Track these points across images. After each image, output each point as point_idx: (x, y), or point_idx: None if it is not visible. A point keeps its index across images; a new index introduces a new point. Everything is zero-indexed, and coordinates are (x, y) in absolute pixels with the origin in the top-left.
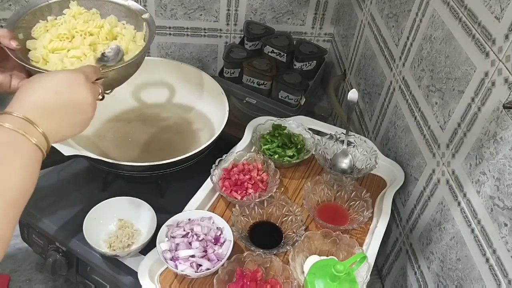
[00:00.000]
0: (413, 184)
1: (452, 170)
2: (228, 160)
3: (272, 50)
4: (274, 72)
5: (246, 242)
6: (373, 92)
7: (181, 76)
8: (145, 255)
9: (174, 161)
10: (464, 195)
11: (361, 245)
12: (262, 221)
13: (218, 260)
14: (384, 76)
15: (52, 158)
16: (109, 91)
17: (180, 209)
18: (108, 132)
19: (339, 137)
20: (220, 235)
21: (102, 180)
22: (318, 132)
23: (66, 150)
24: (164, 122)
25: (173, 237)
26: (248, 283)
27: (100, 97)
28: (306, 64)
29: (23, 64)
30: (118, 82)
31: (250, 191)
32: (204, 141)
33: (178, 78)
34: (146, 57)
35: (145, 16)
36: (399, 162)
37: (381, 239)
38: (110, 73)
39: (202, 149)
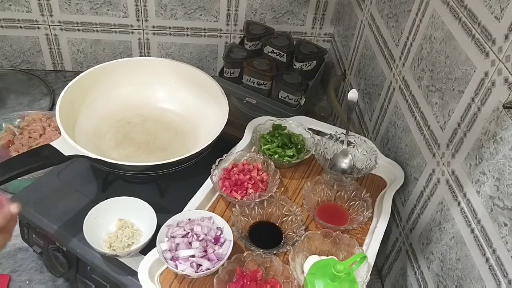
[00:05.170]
0: (413, 184)
1: (452, 170)
2: (228, 160)
3: (272, 50)
4: (274, 72)
5: (246, 242)
6: (373, 92)
7: (181, 76)
8: (145, 255)
9: (174, 161)
10: (464, 195)
11: (361, 245)
12: (262, 221)
13: (218, 260)
14: (384, 76)
15: (52, 158)
16: None
17: (180, 209)
18: (108, 132)
19: (339, 137)
20: (220, 235)
21: (102, 180)
22: (318, 132)
23: (66, 150)
24: (164, 122)
25: (173, 237)
26: (248, 283)
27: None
28: (306, 64)
29: None
30: None
31: (250, 191)
32: (204, 141)
33: (178, 78)
34: (146, 57)
35: None
36: (399, 162)
37: (381, 239)
38: None
39: (202, 149)
